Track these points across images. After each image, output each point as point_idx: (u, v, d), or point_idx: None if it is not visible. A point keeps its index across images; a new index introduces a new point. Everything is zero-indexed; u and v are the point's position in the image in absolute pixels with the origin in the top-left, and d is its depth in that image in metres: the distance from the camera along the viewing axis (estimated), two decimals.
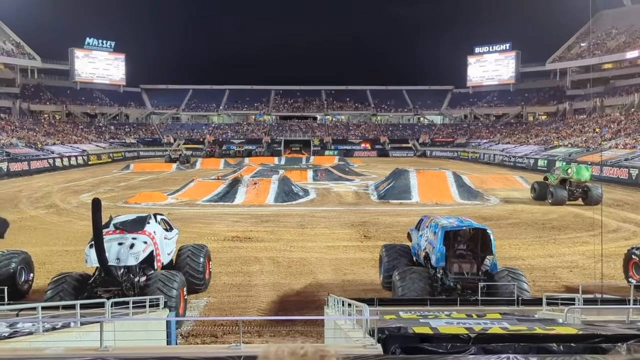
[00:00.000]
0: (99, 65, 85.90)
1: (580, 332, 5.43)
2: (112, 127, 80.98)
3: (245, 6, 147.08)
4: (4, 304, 8.52)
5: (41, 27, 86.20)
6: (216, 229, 20.30)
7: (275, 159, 58.37)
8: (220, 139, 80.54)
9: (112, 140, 74.40)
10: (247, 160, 56.83)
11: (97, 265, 9.77)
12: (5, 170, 42.92)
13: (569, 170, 26.33)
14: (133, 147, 74.58)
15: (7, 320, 7.17)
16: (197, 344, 9.23)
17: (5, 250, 12.07)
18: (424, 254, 11.32)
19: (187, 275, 11.45)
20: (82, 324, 6.82)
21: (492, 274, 10.32)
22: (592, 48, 76.53)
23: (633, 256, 12.46)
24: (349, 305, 7.27)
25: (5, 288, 8.98)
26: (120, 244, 10.20)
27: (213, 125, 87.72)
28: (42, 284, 11.72)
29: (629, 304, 7.56)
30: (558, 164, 34.65)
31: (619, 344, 4.66)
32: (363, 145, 79.59)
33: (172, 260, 12.22)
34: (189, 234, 17.89)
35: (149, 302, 8.47)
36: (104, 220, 10.35)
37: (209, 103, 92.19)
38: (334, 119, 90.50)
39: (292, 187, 29.92)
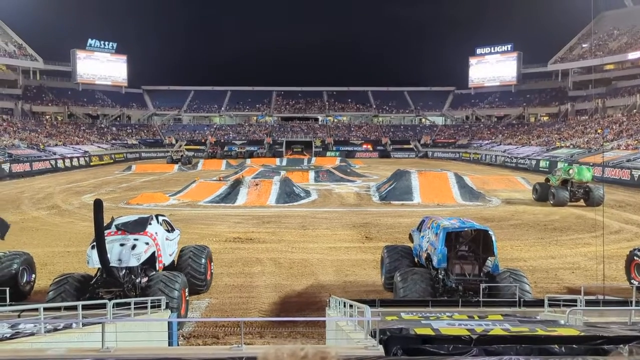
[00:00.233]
0: (101, 66, 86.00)
1: (582, 334, 5.42)
2: (114, 128, 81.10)
3: (246, 7, 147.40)
4: (5, 305, 8.54)
5: (43, 28, 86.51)
6: (218, 230, 20.31)
7: (277, 160, 58.33)
8: (222, 140, 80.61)
9: (114, 141, 74.49)
10: (248, 161, 56.79)
11: (99, 266, 9.77)
12: (8, 171, 43.00)
13: (571, 171, 26.29)
14: (135, 148, 74.68)
15: (9, 321, 7.18)
16: (199, 345, 9.23)
17: (7, 251, 12.09)
18: (425, 255, 11.32)
19: (188, 276, 11.46)
20: (83, 325, 6.84)
21: (493, 275, 10.31)
22: (594, 49, 76.46)
23: (635, 257, 12.43)
24: (351, 306, 7.27)
25: (7, 289, 9.01)
26: (122, 245, 10.21)
27: (215, 127, 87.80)
28: (44, 285, 11.73)
29: (631, 306, 7.54)
30: (560, 165, 34.63)
31: (621, 345, 4.65)
32: (364, 146, 79.61)
33: (173, 261, 12.23)
34: (191, 235, 17.90)
35: (151, 303, 8.47)
36: (106, 221, 10.37)
37: (211, 104, 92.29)
38: (335, 120, 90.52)
39: (294, 188, 29.92)
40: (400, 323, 6.78)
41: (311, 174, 39.92)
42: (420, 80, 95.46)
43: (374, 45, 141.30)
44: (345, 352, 5.20)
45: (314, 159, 63.29)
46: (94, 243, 9.50)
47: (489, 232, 10.57)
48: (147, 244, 10.55)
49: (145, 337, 7.03)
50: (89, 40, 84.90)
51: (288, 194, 28.60)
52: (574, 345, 4.79)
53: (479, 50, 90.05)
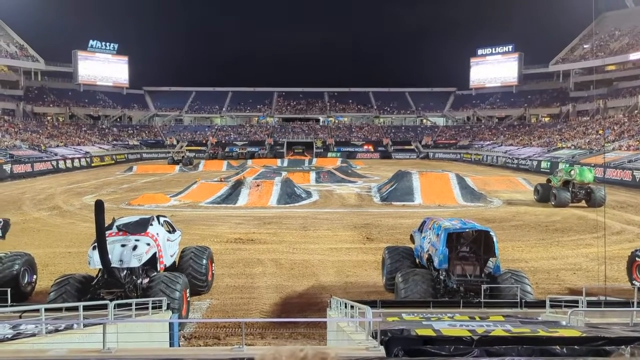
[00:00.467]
0: (102, 67, 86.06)
1: (584, 335, 5.41)
2: (115, 129, 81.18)
3: (247, 8, 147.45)
4: (7, 306, 8.54)
5: (45, 29, 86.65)
6: (219, 230, 20.31)
7: (278, 161, 58.34)
8: (223, 141, 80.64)
9: (115, 142, 74.55)
10: (249, 162, 56.81)
11: (100, 267, 9.78)
12: (9, 172, 43.04)
13: (572, 172, 26.26)
14: (136, 149, 74.74)
15: (10, 322, 7.19)
16: (200, 346, 9.24)
17: (8, 252, 12.11)
18: (426, 256, 11.31)
19: (189, 277, 11.46)
20: (85, 325, 6.84)
21: (495, 276, 10.30)
22: (595, 50, 76.40)
23: (637, 258, 12.41)
24: (352, 307, 7.27)
25: (9, 290, 9.01)
26: (123, 245, 10.22)
27: (216, 127, 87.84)
28: (45, 286, 11.75)
29: (633, 307, 7.53)
30: (561, 165, 34.63)
31: (623, 346, 4.65)
32: (366, 147, 79.58)
33: (174, 262, 12.23)
34: (192, 236, 17.91)
35: (152, 303, 8.48)
36: (107, 222, 10.37)
37: (212, 105, 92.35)
38: (336, 121, 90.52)
39: (295, 189, 29.92)
40: (401, 324, 6.78)
41: (312, 175, 39.92)
42: (421, 81, 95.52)
43: (375, 46, 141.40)
44: (346, 353, 5.20)
45: (315, 159, 63.28)
46: (95, 244, 9.51)
47: (490, 233, 10.56)
48: (148, 244, 10.56)
49: (147, 338, 7.04)
50: (90, 41, 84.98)
51: (289, 194, 28.60)
52: (575, 346, 4.78)
53: (480, 51, 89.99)
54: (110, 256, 9.60)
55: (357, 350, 5.24)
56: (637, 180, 35.10)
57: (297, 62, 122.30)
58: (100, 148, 67.60)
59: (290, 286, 13.13)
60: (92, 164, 58.59)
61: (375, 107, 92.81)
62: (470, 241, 10.81)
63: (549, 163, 48.20)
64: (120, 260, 9.97)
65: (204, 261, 12.27)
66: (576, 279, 13.56)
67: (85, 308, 7.34)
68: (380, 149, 78.87)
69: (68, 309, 7.87)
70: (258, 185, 29.60)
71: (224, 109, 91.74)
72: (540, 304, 8.71)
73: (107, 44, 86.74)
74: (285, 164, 55.80)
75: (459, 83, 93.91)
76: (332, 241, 18.47)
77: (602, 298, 9.20)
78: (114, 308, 7.17)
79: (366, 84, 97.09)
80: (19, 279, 11.54)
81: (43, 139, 61.96)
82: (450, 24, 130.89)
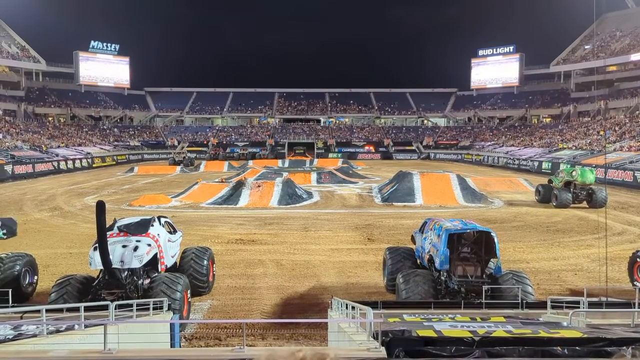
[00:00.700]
0: (104, 68, 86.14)
1: (585, 336, 5.41)
2: (117, 130, 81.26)
3: (248, 9, 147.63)
4: (8, 307, 8.55)
5: (46, 30, 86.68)
6: (220, 231, 20.32)
7: (279, 162, 58.36)
8: (224, 142, 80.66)
9: (116, 143, 74.62)
10: (250, 162, 56.84)
11: (101, 267, 9.78)
12: (10, 173, 43.09)
13: (574, 173, 26.24)
14: (137, 149, 74.80)
15: (11, 322, 7.20)
16: (201, 346, 9.24)
17: (9, 253, 12.13)
18: (427, 256, 11.30)
19: (190, 277, 11.46)
20: (86, 326, 6.85)
21: (496, 277, 10.29)
22: (596, 50, 76.34)
23: (638, 259, 12.39)
24: (353, 308, 7.27)
25: (10, 290, 9.02)
26: (124, 246, 10.22)
27: (217, 128, 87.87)
28: (46, 287, 11.76)
29: (634, 307, 7.52)
30: (562, 166, 34.60)
31: (624, 347, 4.64)
32: (367, 147, 79.58)
33: (175, 262, 12.24)
34: (193, 237, 17.92)
35: (153, 304, 8.49)
36: (108, 223, 10.37)
37: (213, 106, 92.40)
38: (337, 122, 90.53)
39: (296, 189, 29.93)
40: (402, 325, 6.78)
41: (313, 176, 39.92)
42: (422, 82, 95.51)
43: (376, 46, 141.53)
44: (347, 354, 5.20)
45: (316, 160, 63.31)
46: (96, 244, 9.51)
47: (491, 233, 10.56)
48: (149, 245, 10.57)
49: (148, 338, 7.03)
50: (92, 42, 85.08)
51: (290, 195, 28.61)
52: (576, 347, 4.77)
53: (481, 52, 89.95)
54: (111, 257, 9.61)
55: (358, 351, 5.24)
56: (639, 181, 35.05)
57: (298, 62, 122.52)
58: (102, 149, 67.67)
59: (291, 287, 13.13)
60: (93, 165, 58.65)
61: (376, 107, 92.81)
62: (471, 242, 10.80)
63: (550, 164, 48.17)
64: (121, 261, 9.97)
65: (205, 262, 12.27)
66: (577, 279, 13.54)
67: (86, 309, 7.34)
68: (381, 149, 78.85)
69: (69, 310, 7.89)
70: (259, 186, 29.61)
71: (225, 109, 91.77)
72: (542, 305, 8.70)
73: (109, 44, 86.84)
74: (286, 164, 55.82)
75: (460, 84, 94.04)
76: (333, 242, 18.47)
77: (604, 299, 9.18)
78: (115, 309, 7.17)
79: (367, 85, 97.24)
80: (20, 280, 11.56)
81: (44, 140, 62.03)
82: (451, 24, 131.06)
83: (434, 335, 5.62)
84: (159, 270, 10.90)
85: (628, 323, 6.77)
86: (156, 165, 57.94)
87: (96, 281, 10.10)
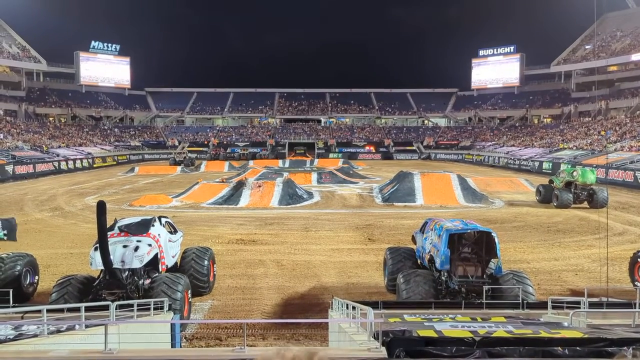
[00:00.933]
0: (104, 68, 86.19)
1: (586, 336, 5.40)
2: (117, 130, 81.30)
3: (249, 9, 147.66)
4: (9, 307, 8.56)
5: (47, 30, 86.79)
6: (220, 231, 20.32)
7: (280, 162, 58.39)
8: (225, 142, 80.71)
9: (117, 143, 74.67)
10: (251, 162, 56.89)
11: (102, 267, 9.78)
12: (11, 173, 43.13)
13: (574, 173, 26.23)
14: (138, 150, 74.86)
15: (12, 322, 7.20)
16: (202, 346, 9.24)
17: (10, 253, 12.14)
18: (428, 256, 11.30)
19: (191, 277, 11.46)
20: (86, 326, 6.85)
21: (496, 277, 10.28)
22: (597, 50, 76.30)
23: (639, 259, 12.38)
24: (353, 308, 7.27)
25: (11, 290, 9.03)
26: (124, 246, 10.22)
27: (217, 128, 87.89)
28: (47, 287, 11.76)
29: (635, 308, 7.52)
30: (563, 166, 34.58)
31: (625, 348, 4.63)
32: (367, 148, 79.59)
33: (176, 262, 12.24)
34: (194, 237, 17.92)
35: (154, 304, 8.49)
36: (109, 223, 10.37)
37: (214, 106, 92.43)
38: (338, 122, 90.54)
39: (297, 189, 29.93)
40: (403, 325, 6.78)
41: (314, 176, 39.92)
42: (423, 82, 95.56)
43: (377, 46, 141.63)
44: (347, 354, 5.20)
45: (316, 160, 63.32)
46: (97, 245, 9.52)
47: (492, 233, 10.55)
48: (150, 245, 10.57)
49: (148, 338, 7.04)
50: (92, 43, 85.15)
51: (291, 195, 28.61)
52: (577, 348, 4.77)
53: (481, 52, 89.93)
54: (112, 257, 9.61)
55: (359, 352, 5.24)
56: (639, 181, 35.04)
57: (299, 62, 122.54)
58: (102, 149, 67.70)
59: (291, 287, 13.13)
60: (94, 165, 58.70)
61: (376, 107, 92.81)
62: (472, 242, 10.79)
63: (550, 164, 48.16)
64: (122, 261, 9.97)
65: (206, 262, 12.27)
66: (578, 280, 13.53)
67: (87, 309, 7.34)
68: (381, 149, 78.86)
69: (70, 310, 7.89)
70: (260, 186, 29.62)
71: (225, 109, 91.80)
72: (542, 305, 8.70)
73: (109, 45, 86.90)
74: (287, 164, 55.84)
75: (461, 84, 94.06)
76: (333, 242, 18.47)
77: (604, 299, 9.18)
78: (116, 309, 7.18)
79: (368, 85, 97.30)
80: (21, 280, 11.56)
81: (45, 140, 62.06)
82: (451, 24, 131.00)
83: (435, 335, 5.62)
84: (160, 270, 10.90)
85: (629, 323, 6.77)
86: (157, 166, 57.98)
87: (97, 281, 10.10)
